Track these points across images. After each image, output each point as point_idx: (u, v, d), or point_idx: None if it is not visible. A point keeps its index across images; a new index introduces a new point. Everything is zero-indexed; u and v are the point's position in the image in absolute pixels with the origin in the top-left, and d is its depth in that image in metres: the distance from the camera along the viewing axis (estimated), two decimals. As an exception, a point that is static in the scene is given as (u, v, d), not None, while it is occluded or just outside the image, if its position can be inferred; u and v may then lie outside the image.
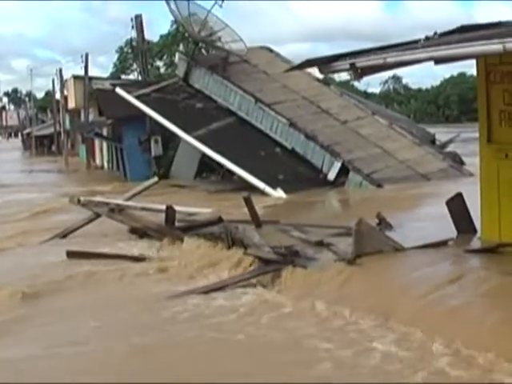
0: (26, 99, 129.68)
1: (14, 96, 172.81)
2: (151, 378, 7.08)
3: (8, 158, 67.88)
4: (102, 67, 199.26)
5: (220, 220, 13.98)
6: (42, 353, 8.03)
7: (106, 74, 63.81)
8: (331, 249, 11.16)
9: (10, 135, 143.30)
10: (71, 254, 13.06)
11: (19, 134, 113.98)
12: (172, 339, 8.41)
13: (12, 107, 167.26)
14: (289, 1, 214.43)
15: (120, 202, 16.14)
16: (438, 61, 9.66)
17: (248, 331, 8.45)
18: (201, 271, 11.73)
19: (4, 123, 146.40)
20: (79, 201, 16.24)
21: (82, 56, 47.40)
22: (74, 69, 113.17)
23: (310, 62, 11.86)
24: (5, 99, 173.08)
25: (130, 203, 16.23)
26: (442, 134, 36.74)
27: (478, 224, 11.18)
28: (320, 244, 11.62)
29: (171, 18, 37.17)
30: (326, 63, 10.86)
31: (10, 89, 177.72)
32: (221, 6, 29.76)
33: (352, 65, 10.06)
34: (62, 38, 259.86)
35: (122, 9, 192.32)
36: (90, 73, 46.02)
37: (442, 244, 10.90)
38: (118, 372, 7.29)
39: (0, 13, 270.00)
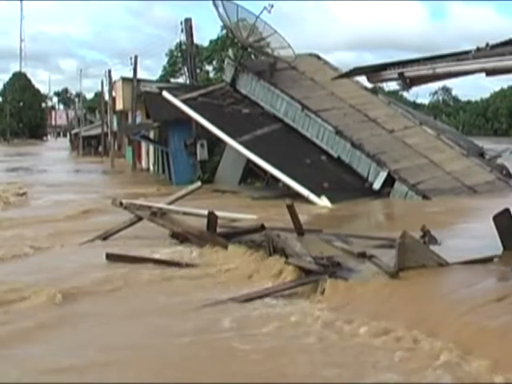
0: (76, 99, 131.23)
1: (64, 96, 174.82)
2: None
3: (55, 157, 68.61)
4: (148, 70, 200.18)
5: (262, 228, 13.86)
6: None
7: (152, 77, 64.00)
8: (374, 261, 10.92)
9: (58, 135, 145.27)
10: (111, 257, 13.04)
11: (67, 134, 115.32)
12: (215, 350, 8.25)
13: (62, 107, 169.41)
14: (334, 9, 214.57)
15: (162, 205, 16.06)
16: (490, 73, 9.42)
17: (286, 343, 8.29)
18: (240, 279, 11.59)
19: (53, 123, 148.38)
20: (121, 203, 16.19)
21: (130, 58, 47.70)
22: (122, 71, 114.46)
23: (358, 70, 11.76)
24: (55, 99, 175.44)
25: (171, 207, 16.15)
26: (490, 146, 36.22)
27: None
28: (362, 255, 11.40)
29: (220, 23, 36.92)
30: (374, 72, 10.72)
31: (59, 89, 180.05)
32: (269, 12, 29.59)
33: (401, 74, 9.91)
34: (108, 40, 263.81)
35: (167, 12, 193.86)
36: (138, 75, 46.17)
37: (488, 260, 10.61)
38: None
39: (47, 13, 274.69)
